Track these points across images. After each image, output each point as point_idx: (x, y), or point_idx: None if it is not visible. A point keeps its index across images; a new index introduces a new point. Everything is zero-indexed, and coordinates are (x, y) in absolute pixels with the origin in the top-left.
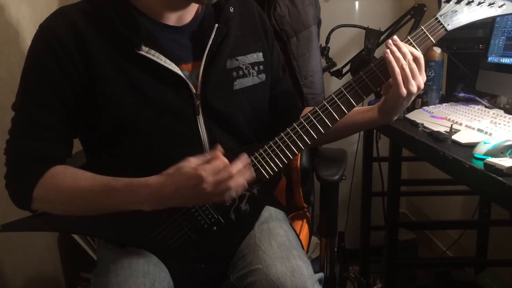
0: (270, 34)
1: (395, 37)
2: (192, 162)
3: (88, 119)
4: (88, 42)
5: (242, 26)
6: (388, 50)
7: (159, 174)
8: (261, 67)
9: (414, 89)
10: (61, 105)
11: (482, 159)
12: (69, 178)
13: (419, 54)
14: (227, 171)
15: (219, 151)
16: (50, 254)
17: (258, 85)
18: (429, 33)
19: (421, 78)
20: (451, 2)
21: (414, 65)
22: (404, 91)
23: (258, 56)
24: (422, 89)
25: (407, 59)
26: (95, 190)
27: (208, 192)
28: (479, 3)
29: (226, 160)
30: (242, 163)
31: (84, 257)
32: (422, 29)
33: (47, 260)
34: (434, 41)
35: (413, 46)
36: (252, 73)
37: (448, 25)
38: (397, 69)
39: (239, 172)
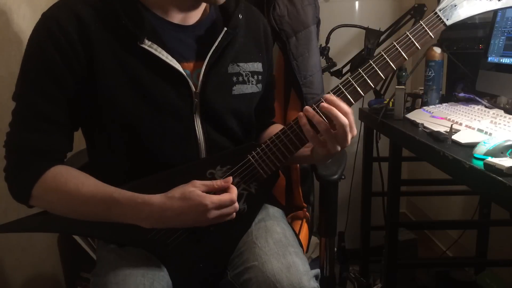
0: (271, 49)
1: (308, 107)
2: (199, 188)
3: (88, 111)
4: (91, 33)
5: (247, 35)
6: (303, 121)
7: (164, 194)
8: (260, 77)
9: (337, 149)
10: (62, 96)
11: (482, 159)
12: (71, 183)
13: (344, 119)
14: (233, 207)
15: (230, 182)
16: (50, 254)
17: (255, 94)
18: (428, 28)
19: (348, 138)
20: None
21: (340, 131)
22: (325, 151)
23: (258, 66)
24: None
25: (323, 128)
26: (96, 199)
27: (209, 220)
28: None
29: (234, 195)
30: None
31: (84, 257)
32: (421, 24)
33: (47, 260)
34: (433, 37)
35: (347, 99)
36: (252, 81)
37: (447, 19)
38: (311, 135)
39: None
